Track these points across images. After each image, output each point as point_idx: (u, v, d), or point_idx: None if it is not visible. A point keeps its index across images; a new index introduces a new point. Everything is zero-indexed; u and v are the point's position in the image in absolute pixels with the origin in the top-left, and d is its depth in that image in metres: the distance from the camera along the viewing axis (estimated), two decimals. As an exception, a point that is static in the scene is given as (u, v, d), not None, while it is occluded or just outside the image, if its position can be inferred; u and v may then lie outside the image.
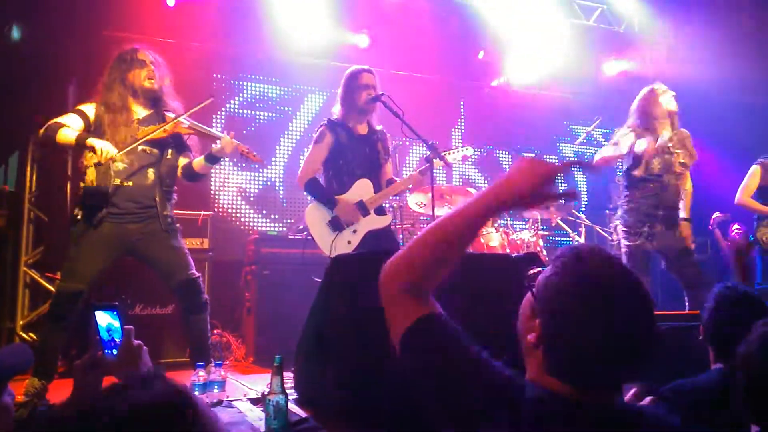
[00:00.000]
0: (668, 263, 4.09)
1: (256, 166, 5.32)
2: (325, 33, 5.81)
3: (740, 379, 1.34)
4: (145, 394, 0.69)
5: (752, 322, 1.38)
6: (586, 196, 7.31)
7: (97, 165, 3.08)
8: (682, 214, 4.06)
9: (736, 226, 5.22)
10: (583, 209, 6.94)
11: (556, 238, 6.34)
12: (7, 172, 4.82)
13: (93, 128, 3.18)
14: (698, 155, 4.15)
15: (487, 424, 1.02)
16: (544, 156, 6.96)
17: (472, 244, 4.89)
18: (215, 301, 4.05)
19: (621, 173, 4.20)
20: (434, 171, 3.68)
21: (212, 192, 5.66)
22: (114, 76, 3.27)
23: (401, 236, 4.63)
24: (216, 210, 5.54)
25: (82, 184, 3.18)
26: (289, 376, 2.83)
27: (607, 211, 5.15)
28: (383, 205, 3.79)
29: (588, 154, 7.25)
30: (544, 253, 5.00)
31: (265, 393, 2.33)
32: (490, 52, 6.67)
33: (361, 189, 3.66)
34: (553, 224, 5.59)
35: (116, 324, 1.49)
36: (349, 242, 3.59)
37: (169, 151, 3.32)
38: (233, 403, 2.82)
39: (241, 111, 5.94)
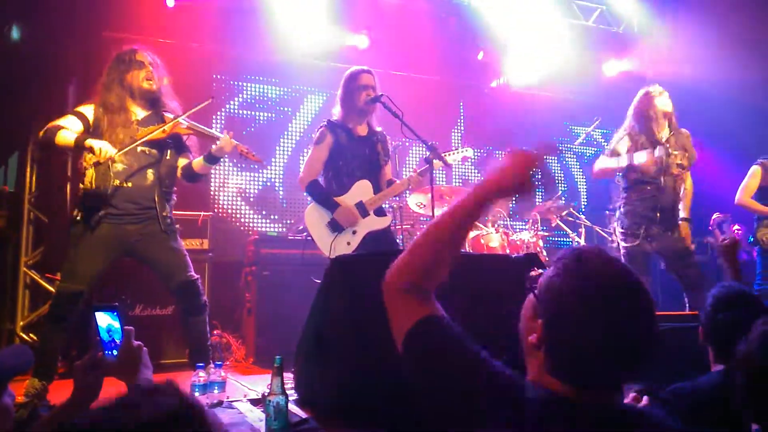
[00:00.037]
0: (668, 264, 4.08)
1: (256, 166, 5.32)
2: (325, 34, 5.81)
3: (740, 378, 1.33)
4: (152, 407, 0.69)
5: (750, 321, 1.38)
6: (586, 196, 7.31)
7: (96, 165, 3.08)
8: (682, 214, 4.06)
9: (736, 227, 5.23)
10: (583, 210, 6.95)
11: (556, 239, 6.34)
12: (7, 173, 4.82)
13: (92, 130, 3.18)
14: (698, 155, 4.15)
15: (491, 425, 1.02)
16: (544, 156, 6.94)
17: (473, 245, 4.91)
18: (215, 302, 4.06)
19: (620, 174, 4.20)
20: (434, 171, 3.68)
21: (212, 192, 5.66)
22: (112, 77, 3.27)
23: (401, 237, 4.63)
24: (216, 210, 5.54)
25: (81, 186, 3.18)
26: (289, 377, 2.83)
27: (607, 212, 5.15)
28: (383, 206, 3.79)
29: (588, 154, 7.26)
30: (544, 253, 5.00)
31: (266, 394, 2.33)
32: (489, 52, 6.67)
33: (361, 190, 3.66)
34: (553, 225, 5.59)
35: (116, 325, 1.49)
36: (348, 243, 3.59)
37: (169, 151, 3.32)
38: (233, 403, 2.82)
39: (240, 111, 5.94)
